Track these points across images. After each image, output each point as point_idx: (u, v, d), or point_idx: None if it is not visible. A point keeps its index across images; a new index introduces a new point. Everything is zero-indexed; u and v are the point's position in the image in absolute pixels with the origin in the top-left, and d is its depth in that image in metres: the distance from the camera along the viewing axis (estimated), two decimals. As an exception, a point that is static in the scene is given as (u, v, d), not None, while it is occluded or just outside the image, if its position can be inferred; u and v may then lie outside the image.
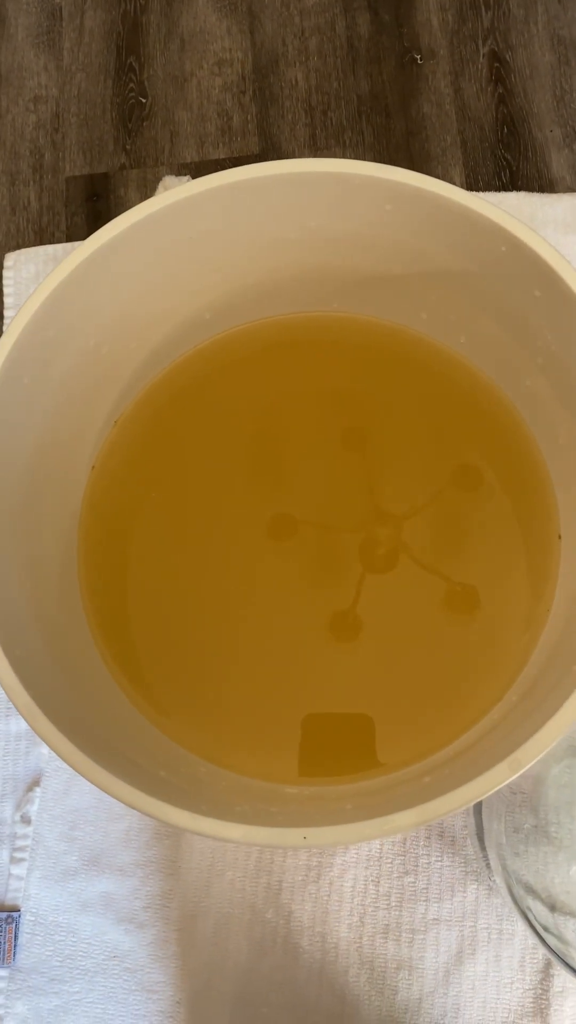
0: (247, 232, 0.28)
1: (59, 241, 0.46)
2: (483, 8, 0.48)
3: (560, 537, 0.30)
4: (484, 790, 0.19)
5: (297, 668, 0.31)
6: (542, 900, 0.33)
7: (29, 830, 0.38)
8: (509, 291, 0.27)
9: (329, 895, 0.36)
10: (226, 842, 0.18)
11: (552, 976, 0.35)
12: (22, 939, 0.37)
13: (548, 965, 0.35)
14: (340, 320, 0.33)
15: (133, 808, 0.20)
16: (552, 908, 0.33)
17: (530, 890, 0.33)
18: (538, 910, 0.33)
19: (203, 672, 0.31)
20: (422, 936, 0.35)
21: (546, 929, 0.32)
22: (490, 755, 0.21)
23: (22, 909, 0.37)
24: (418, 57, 0.47)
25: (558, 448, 0.29)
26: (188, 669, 0.31)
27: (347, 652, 0.31)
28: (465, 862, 0.36)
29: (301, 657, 0.31)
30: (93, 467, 0.31)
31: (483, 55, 0.47)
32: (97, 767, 0.20)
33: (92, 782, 0.20)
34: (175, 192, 0.25)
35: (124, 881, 0.37)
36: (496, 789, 0.19)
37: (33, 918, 0.37)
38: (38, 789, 0.38)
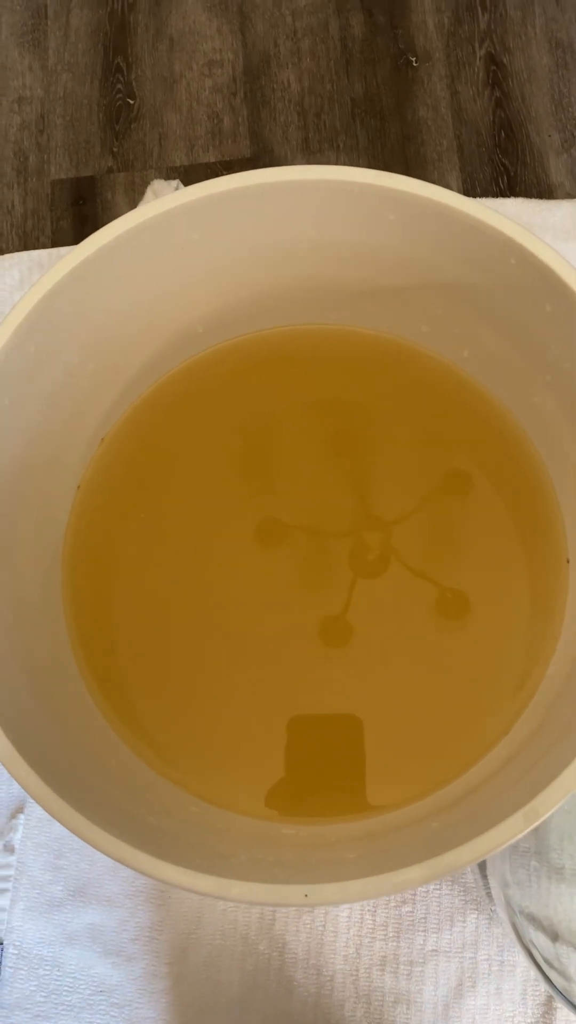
0: (240, 243, 0.27)
1: (44, 246, 0.45)
2: (479, 10, 0.47)
3: (568, 561, 0.29)
4: (497, 843, 0.18)
5: (290, 684, 0.30)
6: (545, 931, 0.32)
7: (12, 859, 0.36)
8: (517, 305, 0.26)
9: (324, 926, 0.35)
10: (223, 900, 0.17)
11: (555, 1009, 0.34)
12: (5, 973, 0.35)
13: (551, 998, 0.34)
14: (337, 333, 0.32)
15: (122, 863, 0.18)
16: (555, 940, 0.32)
17: (533, 920, 0.32)
18: (541, 943, 0.32)
19: (193, 697, 0.30)
20: (420, 968, 0.34)
21: (548, 963, 0.31)
22: (502, 801, 0.20)
23: (5, 942, 0.36)
24: (413, 59, 0.46)
25: (567, 468, 0.28)
26: (178, 695, 0.30)
27: (338, 659, 0.30)
28: (465, 890, 0.35)
29: (294, 672, 0.30)
30: (78, 487, 0.30)
31: (480, 58, 0.46)
32: (86, 821, 0.19)
33: (80, 836, 0.19)
34: (165, 201, 0.24)
35: (112, 912, 0.36)
36: (511, 842, 0.18)
37: (16, 951, 0.35)
38: (22, 816, 0.37)
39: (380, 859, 0.19)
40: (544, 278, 0.23)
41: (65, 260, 0.23)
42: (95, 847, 0.19)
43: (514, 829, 0.18)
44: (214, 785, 0.28)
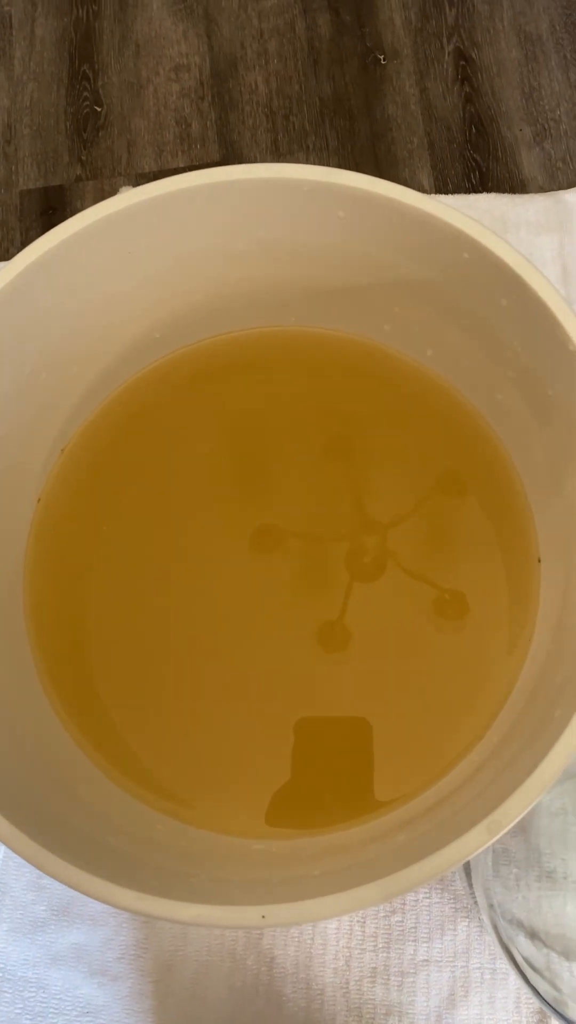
0: (193, 245, 0.26)
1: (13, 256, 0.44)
2: (447, 5, 0.46)
3: (540, 561, 0.28)
4: (459, 857, 0.17)
5: (279, 692, 0.30)
6: (531, 938, 0.32)
7: (-6, 880, 0.36)
8: (474, 300, 0.25)
9: (312, 938, 0.34)
10: (178, 924, 0.16)
11: (549, 1017, 0.33)
12: (-11, 997, 0.35)
13: (545, 1005, 0.33)
14: (299, 335, 0.31)
15: (70, 887, 0.18)
16: (544, 948, 0.32)
17: (520, 927, 0.32)
18: (528, 951, 0.31)
19: (176, 712, 0.29)
20: (412, 978, 0.34)
21: (534, 969, 0.30)
22: (467, 813, 0.19)
23: (-12, 965, 0.35)
24: (381, 57, 0.46)
25: (534, 466, 0.28)
26: (159, 710, 0.29)
27: (334, 666, 0.29)
28: (455, 898, 0.34)
29: (285, 678, 0.30)
30: (39, 500, 0.29)
31: (448, 53, 0.46)
32: (29, 841, 0.18)
33: (25, 858, 0.18)
34: (111, 203, 0.23)
35: (96, 931, 0.35)
36: (473, 855, 0.17)
37: (1, 974, 0.35)
38: (3, 836, 0.36)
39: (343, 876, 0.18)
40: (498, 271, 0.23)
41: (4, 270, 0.23)
42: (42, 870, 0.18)
43: (477, 842, 0.18)
44: (186, 800, 0.27)
